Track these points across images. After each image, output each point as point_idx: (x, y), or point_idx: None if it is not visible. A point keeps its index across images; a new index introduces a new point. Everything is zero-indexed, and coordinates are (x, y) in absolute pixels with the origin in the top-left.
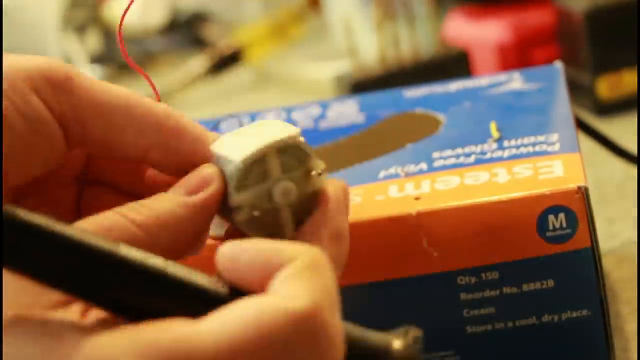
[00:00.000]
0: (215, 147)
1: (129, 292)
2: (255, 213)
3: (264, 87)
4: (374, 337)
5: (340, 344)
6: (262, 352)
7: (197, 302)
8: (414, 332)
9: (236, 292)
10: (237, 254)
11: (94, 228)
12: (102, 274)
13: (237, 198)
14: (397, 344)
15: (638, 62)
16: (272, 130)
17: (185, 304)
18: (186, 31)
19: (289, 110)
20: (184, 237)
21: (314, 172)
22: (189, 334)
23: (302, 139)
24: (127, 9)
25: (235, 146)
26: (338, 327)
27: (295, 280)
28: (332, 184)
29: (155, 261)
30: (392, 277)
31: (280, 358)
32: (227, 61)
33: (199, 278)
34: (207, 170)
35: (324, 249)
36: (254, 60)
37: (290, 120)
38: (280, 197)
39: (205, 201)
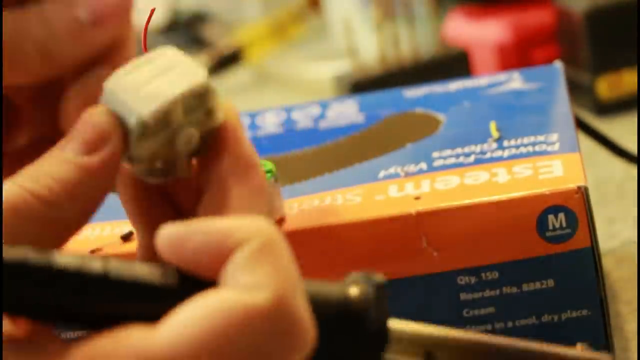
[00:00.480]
0: (110, 84)
1: (74, 304)
2: (157, 164)
3: (264, 86)
4: (331, 288)
5: (309, 325)
6: (226, 354)
7: (149, 301)
8: (377, 278)
9: (186, 280)
10: (182, 239)
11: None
12: (41, 290)
13: (137, 151)
14: (353, 291)
15: (638, 62)
16: (178, 73)
17: (137, 305)
18: (186, 31)
19: (288, 110)
20: (88, 202)
21: (215, 110)
22: (146, 343)
23: (207, 79)
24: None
25: (136, 90)
26: (304, 310)
27: (253, 266)
28: (226, 111)
29: (94, 266)
30: (392, 277)
31: (247, 357)
32: (227, 61)
33: (146, 273)
34: (102, 122)
35: (233, 184)
36: (254, 60)
37: (290, 121)
38: (183, 145)
39: (105, 162)
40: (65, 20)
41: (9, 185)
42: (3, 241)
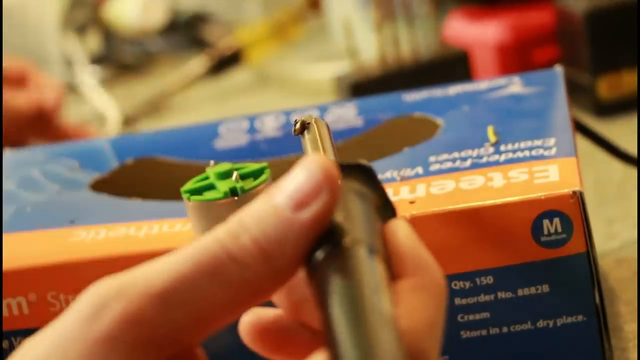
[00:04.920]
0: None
1: None
2: None
3: (264, 87)
4: None
5: None
6: None
7: None
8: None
9: None
10: None
11: (195, 266)
12: None
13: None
14: None
15: (638, 62)
16: None
17: None
18: (186, 32)
19: (287, 114)
20: (282, 264)
21: None
22: None
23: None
24: None
25: None
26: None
27: None
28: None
29: None
30: None
31: None
32: (227, 62)
33: None
34: (319, 169)
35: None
36: (254, 60)
37: (289, 124)
38: None
39: (316, 219)
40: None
41: (209, 240)
42: (192, 298)
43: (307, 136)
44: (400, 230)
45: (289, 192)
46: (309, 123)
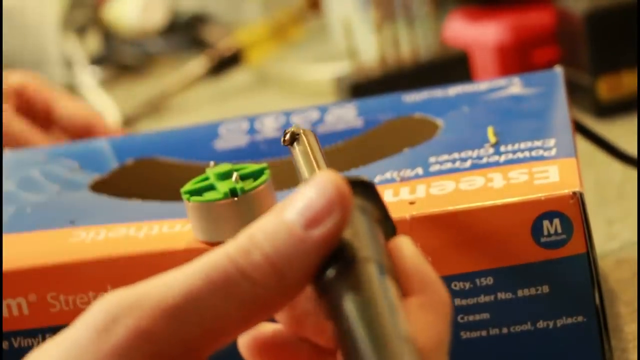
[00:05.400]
0: None
1: None
2: None
3: (264, 88)
4: None
5: None
6: None
7: None
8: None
9: None
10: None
11: (207, 282)
12: None
13: None
14: None
15: (638, 63)
16: None
17: None
18: (186, 33)
19: (287, 114)
20: (292, 281)
21: None
22: None
23: None
24: None
25: None
26: None
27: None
28: None
29: None
30: None
31: None
32: (226, 62)
33: None
34: (333, 187)
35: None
36: (254, 61)
37: (289, 125)
38: None
39: (328, 237)
40: None
41: (220, 256)
42: (203, 314)
43: (297, 147)
44: (405, 247)
45: (300, 208)
46: (298, 134)
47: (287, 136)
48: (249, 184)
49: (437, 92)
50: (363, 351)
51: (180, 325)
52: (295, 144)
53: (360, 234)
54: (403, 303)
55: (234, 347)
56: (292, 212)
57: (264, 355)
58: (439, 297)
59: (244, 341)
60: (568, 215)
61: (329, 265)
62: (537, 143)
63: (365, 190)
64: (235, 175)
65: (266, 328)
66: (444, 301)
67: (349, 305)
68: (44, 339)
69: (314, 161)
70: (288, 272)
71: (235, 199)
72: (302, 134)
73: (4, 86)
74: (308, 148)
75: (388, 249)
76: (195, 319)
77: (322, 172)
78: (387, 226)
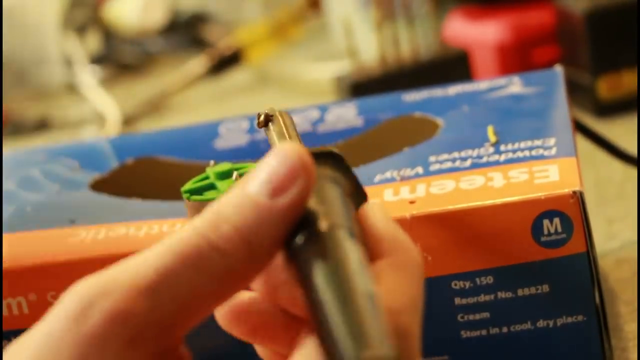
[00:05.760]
0: None
1: None
2: None
3: (264, 87)
4: None
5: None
6: None
7: None
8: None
9: None
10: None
11: (179, 258)
12: None
13: None
14: None
15: (638, 62)
16: None
17: None
18: (186, 32)
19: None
20: (262, 250)
21: None
22: None
23: None
24: None
25: None
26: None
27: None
28: None
29: None
30: None
31: None
32: (226, 62)
33: None
34: (295, 156)
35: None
36: (254, 60)
37: None
38: None
39: (293, 204)
40: None
41: (189, 233)
42: (178, 290)
43: (272, 128)
44: (375, 212)
45: (263, 179)
46: (272, 115)
47: (262, 117)
48: None
49: (437, 92)
50: (329, 313)
51: (155, 303)
52: (270, 125)
53: (328, 202)
54: (373, 266)
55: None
56: (255, 184)
57: (241, 324)
58: (408, 258)
59: (222, 311)
60: (568, 215)
61: (297, 232)
62: (537, 142)
63: (334, 160)
64: (235, 174)
65: (242, 296)
66: (415, 260)
67: (316, 270)
68: None
69: (288, 139)
70: (257, 242)
71: None
72: (277, 115)
73: None
74: (283, 128)
75: (358, 214)
76: (170, 295)
77: (284, 143)
78: (359, 195)
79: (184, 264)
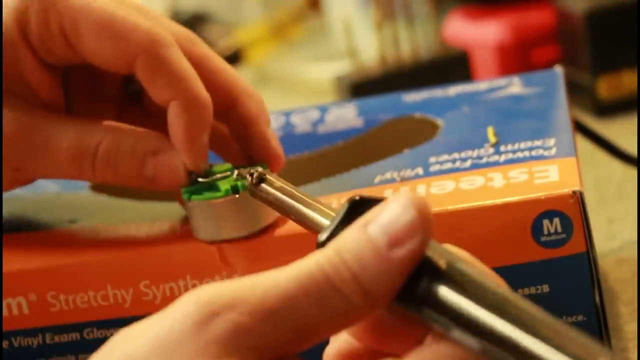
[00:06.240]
0: None
1: None
2: None
3: (264, 87)
4: None
5: None
6: None
7: None
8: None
9: None
10: None
11: (303, 290)
12: None
13: None
14: None
15: (638, 62)
16: None
17: None
18: None
19: (287, 114)
20: (379, 299)
21: None
22: None
23: None
24: None
25: None
26: None
27: None
28: None
29: None
30: None
31: None
32: (227, 61)
33: None
34: (417, 207)
35: None
36: (254, 60)
37: (289, 125)
38: None
39: (411, 256)
40: None
41: (310, 265)
42: (297, 319)
43: (267, 186)
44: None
45: (384, 226)
46: (264, 175)
47: (255, 177)
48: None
49: (437, 92)
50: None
51: (276, 326)
52: (262, 184)
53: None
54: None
55: None
56: (376, 230)
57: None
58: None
59: (330, 351)
60: (568, 215)
61: (414, 279)
62: (537, 142)
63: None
64: (235, 172)
65: (343, 337)
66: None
67: (463, 304)
68: (44, 338)
69: (294, 194)
70: (374, 290)
71: (237, 196)
72: (266, 174)
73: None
74: (281, 184)
75: None
76: (290, 322)
77: (407, 193)
78: None
79: (304, 295)
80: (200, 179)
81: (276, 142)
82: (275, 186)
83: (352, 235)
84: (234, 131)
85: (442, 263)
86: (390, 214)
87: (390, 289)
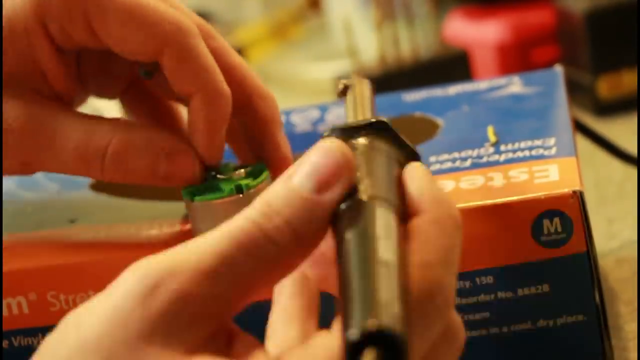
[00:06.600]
0: None
1: None
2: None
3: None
4: None
5: None
6: None
7: None
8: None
9: None
10: None
11: (235, 245)
12: None
13: None
14: None
15: (638, 62)
16: None
17: None
18: None
19: (287, 113)
20: (310, 240)
21: None
22: None
23: None
24: None
25: None
26: None
27: None
28: None
29: None
30: None
31: None
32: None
33: None
34: (338, 152)
35: None
36: (254, 60)
37: (289, 124)
38: None
39: (336, 200)
40: None
41: (241, 221)
42: (235, 275)
43: (347, 97)
44: (417, 173)
45: (308, 174)
46: (349, 85)
47: (341, 86)
48: (251, 181)
49: (437, 91)
50: (348, 281)
51: (216, 287)
52: (347, 93)
53: (373, 173)
54: (410, 224)
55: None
56: (301, 178)
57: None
58: (444, 212)
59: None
60: (568, 214)
61: (340, 206)
62: (537, 142)
63: (383, 129)
64: (241, 171)
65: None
66: (451, 215)
67: (346, 238)
68: (44, 338)
69: (360, 109)
70: (306, 234)
71: (241, 195)
72: (355, 83)
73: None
74: (357, 97)
75: (402, 176)
76: (228, 279)
77: (326, 138)
78: (409, 156)
79: (240, 251)
80: (218, 176)
81: (287, 147)
82: (349, 99)
83: (278, 186)
84: (245, 129)
85: (362, 195)
86: (312, 162)
87: (320, 230)
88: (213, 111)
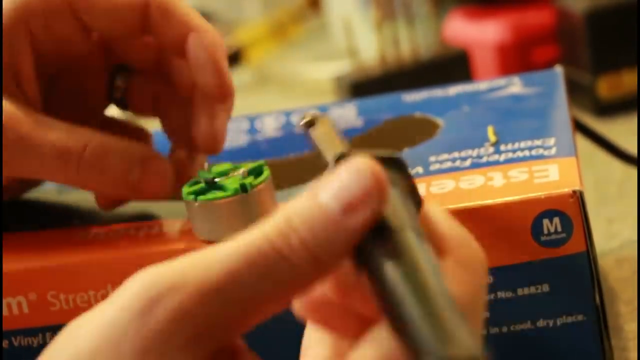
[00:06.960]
0: None
1: None
2: None
3: (264, 87)
4: None
5: None
6: None
7: None
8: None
9: None
10: None
11: (246, 263)
12: None
13: None
14: None
15: (638, 62)
16: None
17: None
18: None
19: (287, 114)
20: (329, 264)
21: None
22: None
23: None
24: None
25: None
26: None
27: None
28: None
29: None
30: None
31: None
32: (227, 61)
33: None
34: (369, 172)
35: None
36: (254, 60)
37: (289, 124)
38: None
39: (365, 224)
40: None
41: (258, 237)
42: (243, 294)
43: (316, 131)
44: (437, 212)
45: (336, 192)
46: (312, 120)
47: (304, 120)
48: (253, 180)
49: (437, 92)
50: (410, 311)
51: (220, 306)
52: (312, 128)
53: (393, 205)
54: (439, 264)
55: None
56: (328, 196)
57: (316, 315)
58: (472, 254)
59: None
60: (568, 214)
61: (366, 237)
62: (537, 142)
63: (394, 163)
64: (243, 170)
65: (316, 290)
66: (478, 258)
67: (392, 270)
68: (44, 337)
69: (336, 143)
70: (324, 257)
71: (245, 194)
72: (319, 118)
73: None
74: (328, 131)
75: (421, 215)
76: (235, 299)
77: (358, 157)
78: (415, 198)
79: (250, 269)
80: (216, 179)
81: (230, 76)
82: (321, 132)
83: (302, 202)
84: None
85: (392, 225)
86: (342, 180)
87: (341, 255)
88: (213, 40)
